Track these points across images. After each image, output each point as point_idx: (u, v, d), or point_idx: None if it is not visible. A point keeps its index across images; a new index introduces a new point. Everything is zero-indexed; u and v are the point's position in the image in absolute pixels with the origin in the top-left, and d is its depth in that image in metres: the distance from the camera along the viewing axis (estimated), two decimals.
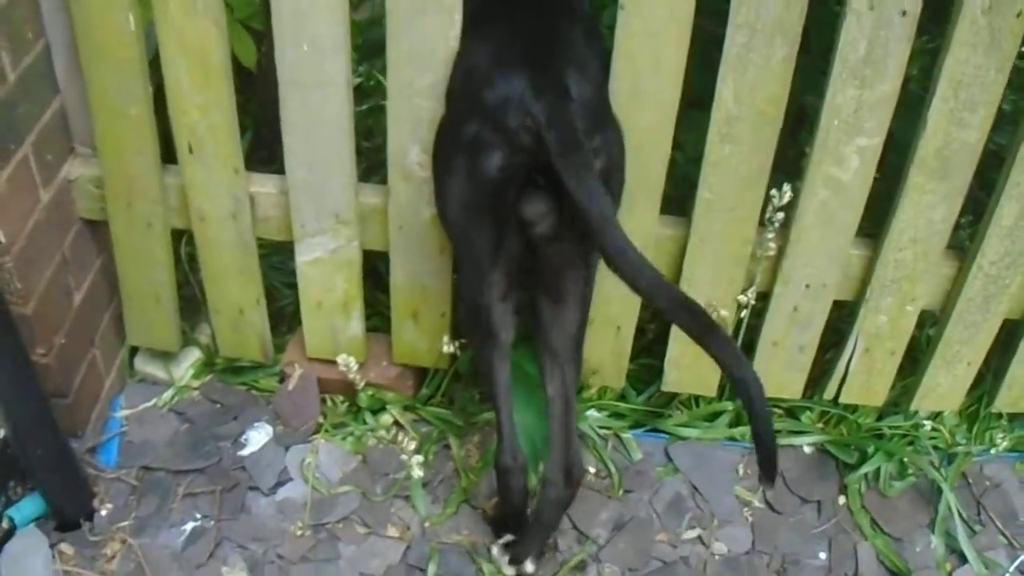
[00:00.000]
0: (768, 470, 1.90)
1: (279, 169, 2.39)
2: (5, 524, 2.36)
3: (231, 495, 2.53)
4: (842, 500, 2.65)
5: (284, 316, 2.84)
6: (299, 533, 2.47)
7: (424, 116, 2.22)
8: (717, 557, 2.52)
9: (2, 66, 2.09)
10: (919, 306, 2.49)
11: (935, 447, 2.72)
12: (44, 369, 2.35)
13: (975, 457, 2.75)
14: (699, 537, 2.56)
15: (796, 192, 2.31)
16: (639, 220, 2.32)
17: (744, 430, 2.72)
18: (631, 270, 1.84)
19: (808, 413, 2.76)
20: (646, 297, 1.90)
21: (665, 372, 2.63)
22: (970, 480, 2.73)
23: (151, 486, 2.53)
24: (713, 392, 2.69)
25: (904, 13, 2.05)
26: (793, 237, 2.37)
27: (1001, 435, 2.74)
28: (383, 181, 2.38)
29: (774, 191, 2.30)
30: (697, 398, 2.76)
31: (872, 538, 2.57)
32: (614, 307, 2.47)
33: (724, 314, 2.46)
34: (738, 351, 1.89)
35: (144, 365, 2.76)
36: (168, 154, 2.38)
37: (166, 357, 2.75)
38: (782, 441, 2.71)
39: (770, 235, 2.36)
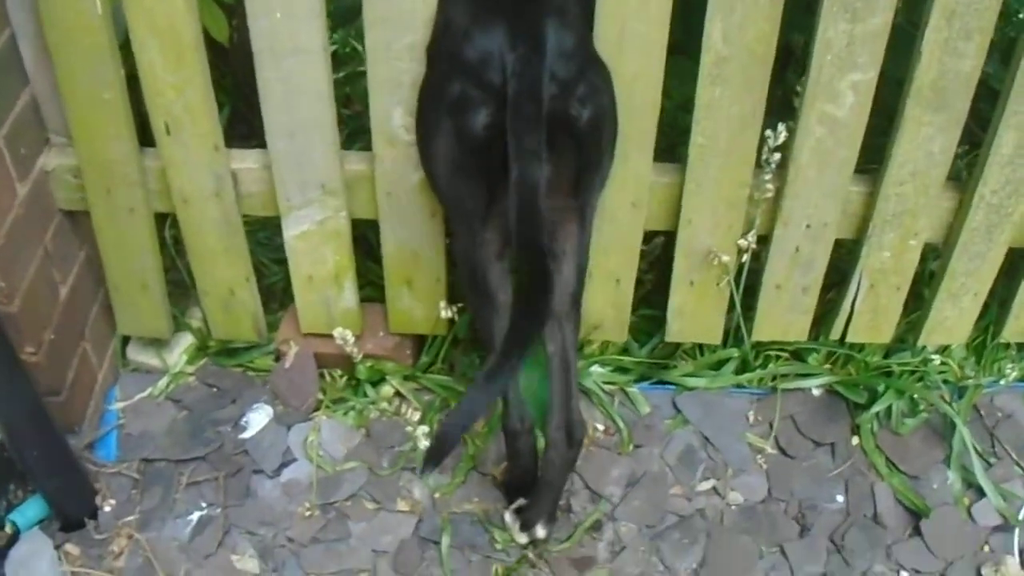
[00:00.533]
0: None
1: (260, 144, 2.34)
2: (8, 529, 2.31)
3: (235, 480, 2.49)
4: (855, 441, 2.62)
5: (275, 293, 2.79)
6: (307, 514, 2.43)
7: (405, 78, 2.16)
8: (734, 507, 2.50)
9: None
10: (922, 240, 2.45)
11: (944, 381, 2.69)
12: (35, 367, 2.30)
13: (985, 389, 2.72)
14: (714, 488, 2.53)
15: (791, 131, 2.27)
16: (633, 168, 2.28)
17: (751, 376, 2.68)
18: (524, 245, 1.86)
19: (815, 355, 2.73)
20: (519, 269, 1.92)
21: (668, 322, 2.59)
22: (982, 412, 2.70)
23: (153, 478, 2.49)
24: (718, 340, 2.65)
25: None
26: (791, 177, 2.33)
27: (1010, 365, 2.71)
28: (366, 148, 2.33)
29: (768, 132, 2.25)
30: (701, 346, 2.72)
31: (888, 478, 2.54)
32: (613, 259, 2.43)
33: (725, 260, 2.41)
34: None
35: (137, 354, 2.71)
36: (145, 137, 2.33)
37: (159, 344, 2.71)
38: (790, 385, 2.68)
39: (767, 177, 2.32)
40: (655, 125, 2.24)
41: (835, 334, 2.64)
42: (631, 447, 2.58)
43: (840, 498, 2.52)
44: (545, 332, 2.23)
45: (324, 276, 2.51)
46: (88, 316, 2.55)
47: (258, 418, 2.60)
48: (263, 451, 2.54)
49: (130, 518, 2.41)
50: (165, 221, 2.55)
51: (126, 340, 2.72)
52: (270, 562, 2.35)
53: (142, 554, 2.34)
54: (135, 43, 2.16)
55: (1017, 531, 2.47)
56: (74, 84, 2.22)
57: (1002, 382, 2.70)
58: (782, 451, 2.60)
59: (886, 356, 2.73)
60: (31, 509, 2.36)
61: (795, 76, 2.40)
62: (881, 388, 2.64)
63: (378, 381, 2.66)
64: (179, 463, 2.52)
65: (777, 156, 2.28)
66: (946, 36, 2.12)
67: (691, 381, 2.70)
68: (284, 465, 2.53)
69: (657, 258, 2.70)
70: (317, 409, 2.62)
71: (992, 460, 2.61)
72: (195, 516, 2.43)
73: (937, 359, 2.70)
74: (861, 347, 2.71)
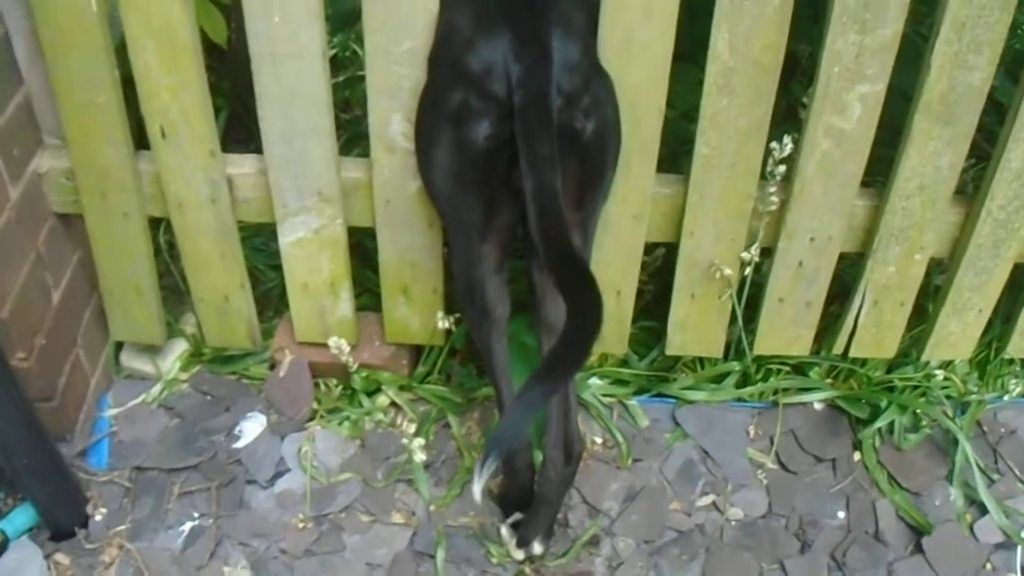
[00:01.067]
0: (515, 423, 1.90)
1: (256, 149, 2.31)
2: None
3: (228, 490, 2.46)
4: (857, 456, 2.60)
5: (270, 299, 2.77)
6: (301, 526, 2.40)
7: (405, 84, 2.14)
8: (733, 523, 2.47)
9: None
10: (928, 255, 2.43)
11: (947, 396, 2.66)
12: (26, 373, 2.27)
13: (988, 405, 2.70)
14: (714, 503, 2.51)
15: (796, 144, 2.24)
16: (635, 179, 2.25)
17: (752, 390, 2.66)
18: (556, 254, 1.81)
19: (816, 369, 2.70)
20: (554, 279, 1.85)
21: (669, 336, 2.56)
22: (985, 428, 2.68)
23: (145, 487, 2.46)
24: (719, 353, 2.62)
25: None
26: (796, 190, 2.30)
27: (1014, 381, 2.69)
28: (363, 154, 2.30)
29: (774, 143, 2.23)
30: (702, 359, 2.70)
31: (890, 494, 2.52)
32: (613, 271, 2.40)
33: (728, 273, 2.39)
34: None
35: (130, 360, 2.69)
36: (141, 140, 2.30)
37: (152, 350, 2.68)
38: (791, 399, 2.66)
39: (772, 189, 2.30)
40: (658, 136, 2.21)
41: (838, 349, 2.61)
42: (630, 461, 2.55)
43: (841, 514, 2.50)
44: (542, 347, 2.24)
45: (320, 284, 2.48)
46: (81, 321, 2.52)
47: (252, 427, 2.58)
48: (257, 461, 2.51)
49: (121, 527, 2.38)
50: (160, 226, 2.52)
51: (119, 346, 2.69)
52: (263, 574, 2.32)
53: (133, 564, 2.31)
54: (131, 44, 2.13)
55: (1020, 549, 2.44)
56: (68, 85, 2.18)
57: (1006, 398, 2.68)
58: (783, 466, 2.58)
59: (889, 371, 2.71)
60: (20, 517, 2.33)
61: (800, 86, 2.39)
62: (883, 403, 2.62)
63: (374, 391, 2.64)
64: (171, 472, 2.49)
65: (782, 168, 2.25)
66: (956, 49, 2.09)
67: (691, 394, 2.67)
68: (278, 475, 2.50)
69: (658, 269, 2.67)
70: (312, 419, 2.60)
71: (995, 476, 2.59)
72: (187, 526, 2.39)
73: (940, 374, 2.67)
74: (863, 361, 2.68)
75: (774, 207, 2.33)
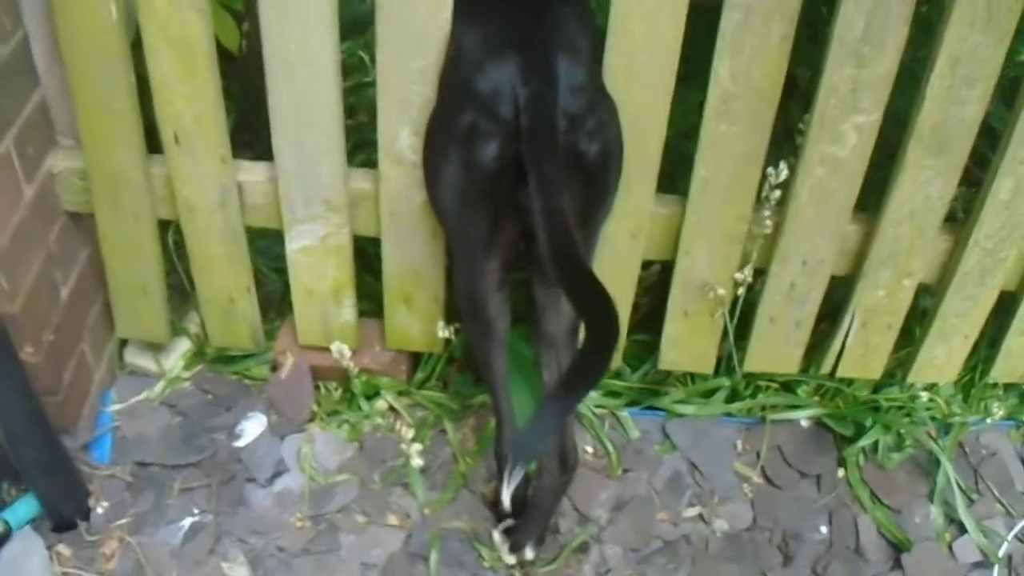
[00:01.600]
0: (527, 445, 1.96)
1: (263, 152, 2.35)
2: (0, 528, 2.32)
3: (228, 488, 2.51)
4: (841, 473, 2.65)
5: (272, 301, 2.80)
6: (299, 524, 2.45)
7: (415, 101, 2.18)
8: (719, 534, 2.52)
9: None
10: (916, 280, 2.48)
11: (931, 418, 2.72)
12: (33, 368, 2.30)
13: (971, 427, 2.76)
14: (700, 515, 2.56)
15: (792, 169, 2.29)
16: (635, 199, 2.30)
17: (741, 406, 2.71)
18: (570, 275, 1.85)
19: (804, 387, 2.75)
20: (569, 298, 1.90)
21: (662, 351, 2.61)
22: (967, 449, 2.74)
23: (147, 482, 2.50)
24: (710, 369, 2.67)
25: None
26: (790, 214, 2.35)
27: (996, 404, 2.73)
28: (368, 160, 2.34)
29: (770, 169, 2.28)
30: (693, 374, 2.75)
31: (872, 510, 2.57)
32: (610, 287, 2.33)
33: (721, 293, 2.44)
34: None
35: (134, 357, 2.72)
36: (153, 143, 2.34)
37: (156, 348, 2.71)
38: (779, 416, 2.71)
39: (766, 213, 2.35)
40: (659, 157, 2.26)
41: (826, 368, 2.66)
42: (620, 471, 2.60)
43: (824, 529, 2.55)
44: (542, 361, 2.26)
45: (324, 291, 2.52)
46: (87, 317, 2.56)
47: (252, 427, 2.62)
48: (257, 460, 2.55)
49: (122, 521, 2.42)
50: (168, 226, 2.55)
51: (123, 342, 2.73)
52: (260, 571, 2.37)
53: (133, 557, 2.36)
54: (148, 52, 2.17)
55: (997, 568, 2.50)
56: (85, 89, 2.22)
57: (988, 420, 2.72)
58: (768, 480, 2.63)
59: (874, 390, 2.76)
60: (23, 508, 2.37)
61: (797, 108, 2.43)
62: (868, 422, 2.67)
63: (372, 395, 2.68)
64: (173, 468, 2.53)
65: (777, 193, 2.31)
66: (950, 83, 2.14)
67: (681, 408, 2.72)
68: (277, 475, 2.54)
69: (652, 284, 2.72)
70: (311, 420, 2.64)
71: (975, 497, 2.64)
72: (187, 522, 2.44)
73: (925, 396, 2.72)
74: (850, 381, 2.73)
75: (768, 230, 2.38)
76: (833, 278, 2.50)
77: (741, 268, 2.43)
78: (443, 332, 2.50)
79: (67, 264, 2.45)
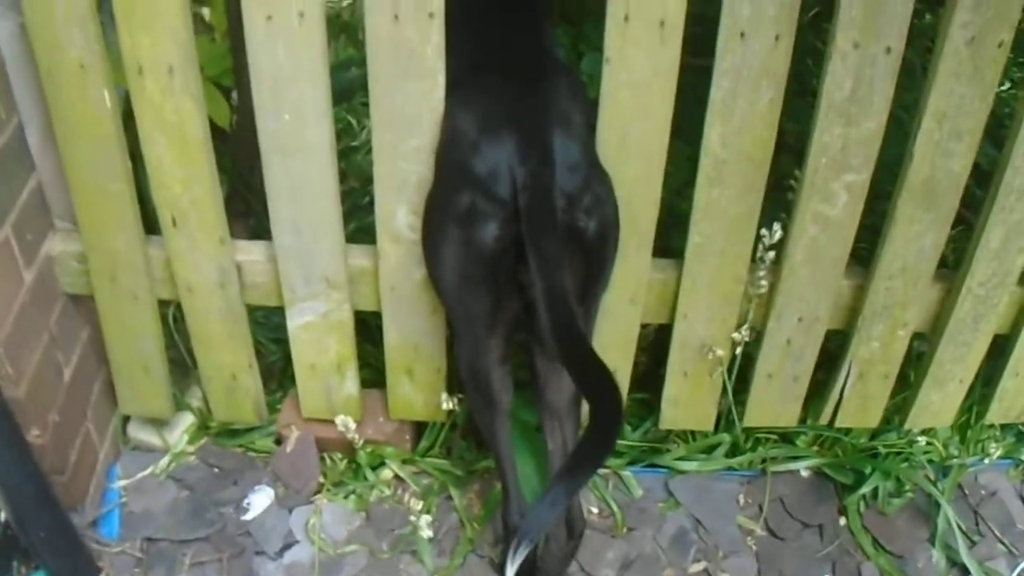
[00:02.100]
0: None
1: (256, 222, 2.36)
2: None
3: (238, 562, 2.52)
4: (843, 521, 2.67)
5: (273, 372, 2.81)
6: None
7: (411, 179, 2.20)
8: None
9: None
10: (910, 330, 2.51)
11: (929, 461, 2.74)
12: (40, 449, 2.31)
13: (969, 468, 2.78)
14: (705, 570, 2.57)
15: (785, 229, 2.32)
16: (631, 266, 2.33)
17: (742, 459, 2.73)
18: (573, 355, 1.87)
19: (803, 437, 2.77)
20: (573, 378, 1.92)
21: (662, 411, 2.62)
22: (966, 491, 2.76)
23: (156, 557, 2.51)
24: (710, 427, 2.69)
25: (888, 51, 2.06)
26: (784, 274, 2.38)
27: (994, 444, 2.77)
28: (361, 227, 2.35)
29: (764, 230, 2.31)
30: (693, 431, 2.76)
31: (875, 557, 2.59)
32: (610, 353, 2.43)
33: (720, 353, 2.46)
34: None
35: (137, 432, 2.73)
36: (150, 223, 2.35)
37: (159, 423, 2.72)
38: (779, 467, 2.73)
39: (761, 273, 2.38)
40: (654, 225, 2.28)
41: (824, 419, 2.68)
42: (625, 529, 2.62)
43: None
44: (545, 430, 2.28)
45: (326, 365, 2.54)
46: (90, 395, 2.57)
47: (260, 500, 2.62)
48: (265, 532, 2.56)
49: None
50: (168, 305, 2.56)
51: (127, 418, 2.74)
52: None
53: None
54: (143, 138, 2.18)
55: None
56: (81, 174, 2.24)
57: (986, 460, 2.75)
58: (772, 532, 2.65)
59: (872, 437, 2.78)
60: None
61: (787, 162, 2.44)
62: (868, 470, 2.69)
63: (378, 465, 2.69)
64: (182, 543, 2.53)
65: (772, 254, 2.33)
66: (937, 138, 2.18)
67: (683, 465, 2.73)
68: (286, 547, 2.55)
69: (649, 343, 2.74)
70: (318, 492, 2.65)
71: (976, 538, 2.66)
72: None
73: (922, 440, 2.75)
74: (848, 429, 2.75)
75: (764, 289, 2.41)
76: (829, 331, 2.52)
77: (738, 328, 2.46)
78: (446, 404, 2.52)
79: (69, 345, 2.46)
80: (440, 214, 2.10)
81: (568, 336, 1.85)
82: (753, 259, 2.36)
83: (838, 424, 2.70)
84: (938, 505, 2.64)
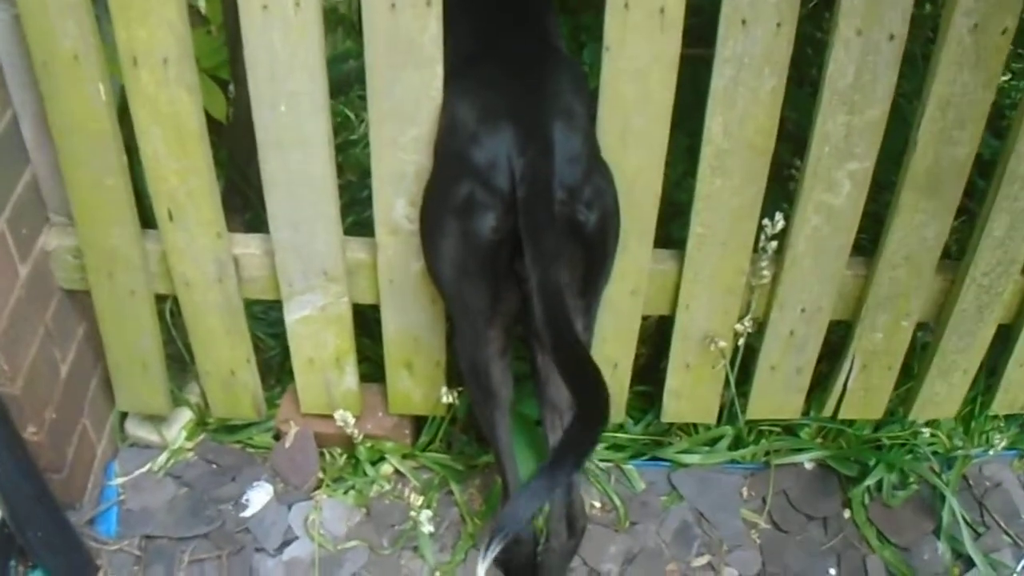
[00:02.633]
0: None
1: (254, 217, 2.34)
2: None
3: (238, 559, 2.50)
4: (847, 514, 2.66)
5: (272, 367, 2.79)
6: None
7: (409, 171, 2.18)
8: None
9: None
10: (914, 321, 2.49)
11: (934, 452, 2.72)
12: (36, 446, 2.29)
13: (974, 459, 2.76)
14: (709, 563, 2.55)
15: (788, 219, 2.30)
16: (632, 258, 2.31)
17: (746, 452, 2.71)
18: (562, 349, 1.83)
19: (806, 429, 2.75)
20: (561, 373, 1.86)
21: (664, 404, 2.61)
22: (971, 482, 2.75)
23: (155, 555, 2.49)
24: (713, 419, 2.67)
25: (892, 37, 2.04)
26: (787, 264, 2.36)
27: (998, 435, 2.75)
28: (359, 221, 2.33)
29: (766, 220, 2.28)
30: (696, 423, 2.74)
31: (880, 550, 2.58)
32: (611, 345, 2.45)
33: (722, 345, 2.44)
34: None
35: (135, 429, 2.71)
36: (146, 217, 2.33)
37: (157, 419, 2.70)
38: (783, 460, 2.71)
39: (764, 263, 2.36)
40: (655, 216, 2.27)
41: (827, 411, 2.67)
42: (627, 524, 2.60)
43: (833, 571, 2.55)
44: (546, 425, 2.25)
45: (325, 359, 2.52)
46: (87, 392, 2.55)
47: (259, 496, 2.61)
48: (264, 529, 2.54)
49: None
50: (166, 301, 2.54)
51: (124, 414, 2.71)
52: None
53: None
54: (138, 131, 2.16)
55: None
56: (77, 169, 2.22)
57: (991, 451, 2.73)
58: (776, 526, 2.63)
59: (876, 429, 2.76)
60: None
61: (787, 150, 2.43)
62: (872, 462, 2.68)
63: (378, 460, 2.67)
64: (180, 540, 2.52)
65: (774, 243, 2.31)
66: (941, 126, 2.16)
67: (686, 458, 2.71)
68: (286, 543, 2.53)
69: (651, 335, 2.72)
70: (317, 488, 2.63)
71: (981, 530, 2.65)
72: None
73: (927, 431, 2.73)
74: (852, 421, 2.74)
75: (766, 280, 2.39)
76: (832, 322, 2.50)
77: (740, 319, 2.44)
78: (446, 398, 2.50)
79: (65, 341, 2.45)
80: (438, 205, 2.07)
81: (559, 331, 1.82)
82: (755, 249, 2.34)
83: (842, 416, 2.68)
84: (943, 497, 2.62)
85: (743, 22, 2.02)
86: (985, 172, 2.36)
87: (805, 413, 2.70)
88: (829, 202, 2.26)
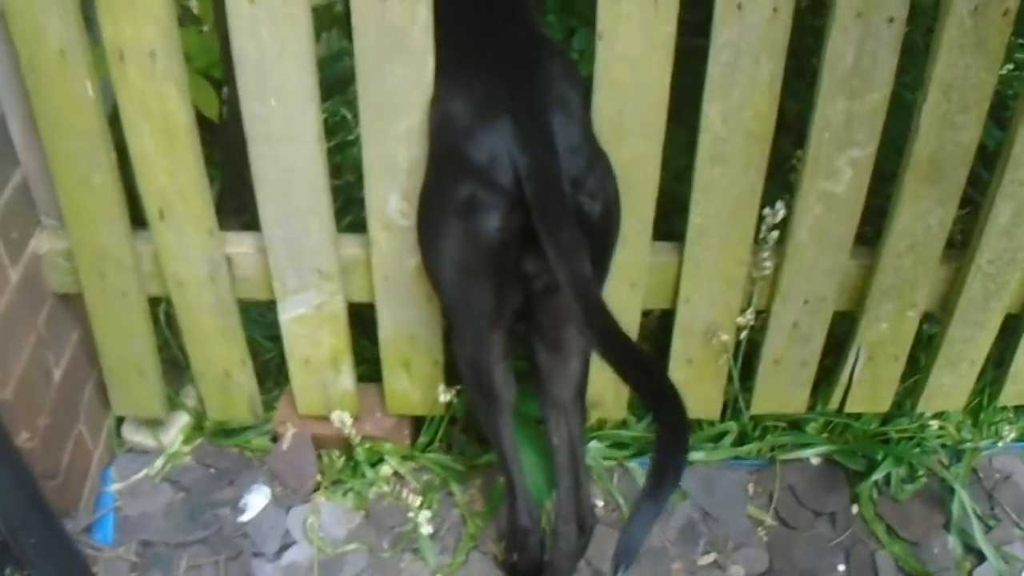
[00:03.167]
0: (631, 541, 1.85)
1: (250, 219, 2.32)
2: None
3: (236, 564, 2.46)
4: (855, 509, 2.61)
5: (269, 370, 2.76)
6: None
7: (401, 164, 2.15)
8: None
9: None
10: (920, 310, 2.46)
11: (942, 445, 2.69)
12: (30, 453, 2.26)
13: (983, 451, 2.73)
14: (716, 561, 2.52)
15: (789, 209, 2.27)
16: (631, 250, 2.27)
17: (750, 448, 2.67)
18: (604, 338, 1.77)
19: (812, 424, 2.72)
20: (621, 376, 1.80)
21: None
22: (980, 475, 2.71)
23: (152, 562, 2.46)
24: (717, 415, 2.64)
25: (891, 20, 2.02)
26: (789, 254, 2.33)
27: (1007, 427, 2.71)
28: (356, 221, 2.31)
29: (767, 209, 2.26)
30: (699, 420, 2.70)
31: (889, 545, 2.54)
32: None
33: (725, 338, 2.41)
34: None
35: (132, 434, 2.68)
36: (138, 217, 2.31)
37: (154, 424, 2.67)
38: (788, 455, 2.68)
39: (765, 254, 2.33)
40: (653, 206, 2.23)
41: (833, 404, 2.64)
42: None
43: (842, 567, 2.51)
44: (550, 424, 2.21)
45: (321, 359, 2.49)
46: (82, 397, 2.52)
47: (257, 500, 2.58)
48: (263, 533, 2.51)
49: None
50: (159, 302, 2.51)
51: (120, 419, 2.69)
52: None
53: None
54: (127, 127, 2.14)
55: None
56: (65, 168, 2.19)
57: (1000, 443, 2.70)
58: (782, 522, 2.59)
59: (883, 422, 2.73)
60: None
61: (788, 142, 2.40)
62: (879, 455, 2.64)
63: (376, 462, 2.64)
64: (178, 546, 2.48)
65: (775, 234, 2.28)
66: (944, 110, 2.13)
67: (690, 455, 2.66)
68: (284, 548, 2.50)
69: (652, 331, 2.68)
70: (316, 490, 2.60)
71: (992, 523, 2.61)
72: None
73: (935, 424, 2.70)
74: (858, 415, 2.70)
75: (768, 271, 2.36)
76: (836, 313, 2.47)
77: (743, 312, 2.41)
78: (444, 396, 2.46)
79: (58, 345, 2.42)
80: (437, 206, 2.01)
81: (603, 327, 1.75)
82: (756, 240, 2.32)
83: (848, 409, 2.65)
84: (952, 490, 2.58)
85: (739, 7, 2.00)
86: (989, 163, 2.32)
87: (811, 407, 2.67)
88: (831, 190, 2.23)
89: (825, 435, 2.73)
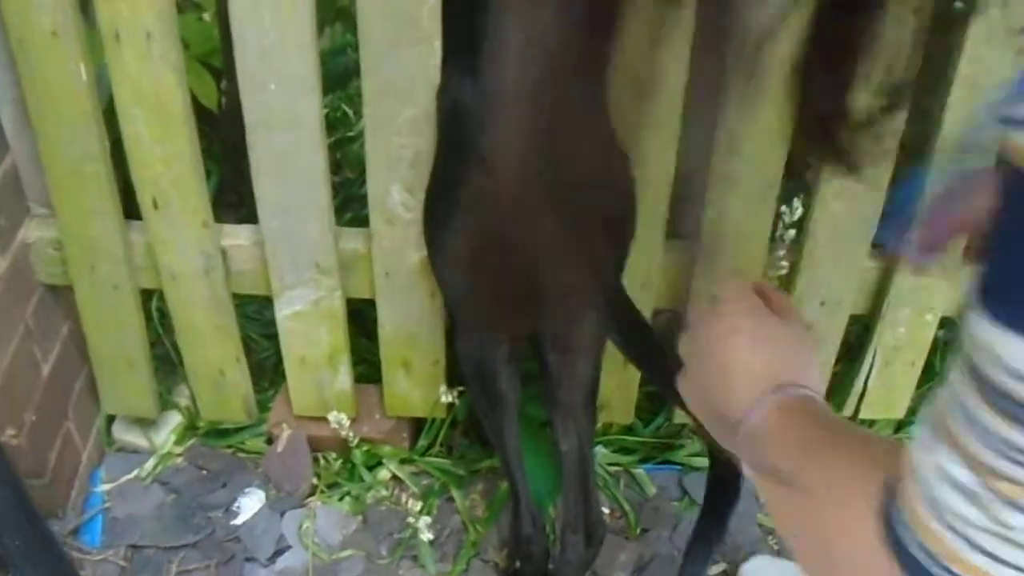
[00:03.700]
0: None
1: (249, 214, 2.26)
2: None
3: (227, 569, 2.40)
4: None
5: (265, 370, 2.71)
6: None
7: (405, 154, 2.09)
8: None
9: None
10: (938, 315, 2.40)
11: None
12: (16, 450, 2.20)
13: None
14: (725, 571, 2.46)
15: (806, 206, 2.21)
16: (643, 248, 2.19)
17: None
18: (644, 353, 1.74)
19: None
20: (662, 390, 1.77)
21: None
22: None
23: (142, 566, 2.40)
24: None
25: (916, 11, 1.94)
26: (806, 253, 2.28)
27: None
28: (356, 218, 2.26)
29: (784, 207, 2.20)
30: None
31: None
32: None
33: None
34: None
35: (122, 433, 2.62)
36: (131, 208, 2.25)
37: (145, 423, 2.62)
38: None
39: (781, 253, 2.27)
40: (666, 204, 2.17)
41: (847, 410, 2.58)
42: (638, 530, 2.51)
43: None
44: (558, 429, 2.15)
45: (318, 358, 2.44)
46: (71, 394, 2.47)
47: (250, 503, 2.52)
48: (256, 538, 2.45)
49: None
50: (151, 296, 2.47)
51: (111, 418, 2.64)
52: None
53: None
54: (120, 113, 2.08)
55: None
56: (56, 154, 2.14)
57: None
58: None
59: (898, 429, 2.66)
60: None
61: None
62: None
63: (374, 465, 2.59)
64: (168, 550, 2.42)
65: (792, 232, 2.23)
66: (968, 107, 2.06)
67: (698, 461, 2.62)
68: (278, 553, 2.44)
69: (662, 332, 2.62)
70: (311, 494, 2.54)
71: None
72: None
73: None
74: (873, 421, 2.64)
75: (784, 271, 2.30)
76: (851, 317, 2.42)
77: None
78: (445, 397, 2.42)
79: (47, 339, 2.36)
80: (442, 200, 1.97)
81: (638, 335, 1.72)
82: (772, 238, 2.26)
83: (862, 416, 2.59)
84: None
85: None
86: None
87: None
88: (850, 187, 2.17)
89: None
